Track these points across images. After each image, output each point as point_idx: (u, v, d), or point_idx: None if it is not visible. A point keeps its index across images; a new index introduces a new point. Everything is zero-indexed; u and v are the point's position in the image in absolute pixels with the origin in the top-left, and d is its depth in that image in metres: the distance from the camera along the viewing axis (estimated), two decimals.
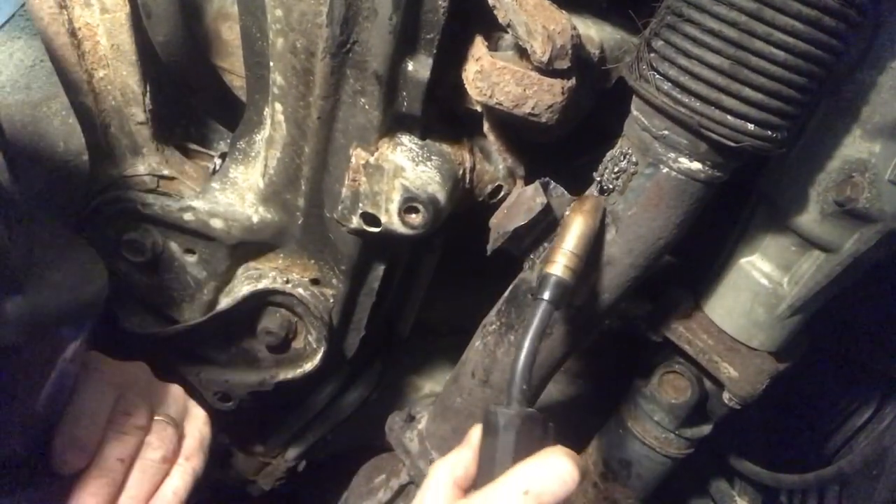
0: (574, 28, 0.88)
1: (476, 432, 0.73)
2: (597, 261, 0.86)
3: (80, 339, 0.72)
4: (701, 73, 0.73)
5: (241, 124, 1.03)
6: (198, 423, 0.87)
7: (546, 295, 0.73)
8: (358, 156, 0.94)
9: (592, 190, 0.89)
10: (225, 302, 1.12)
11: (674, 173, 0.80)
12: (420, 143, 0.96)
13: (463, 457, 0.72)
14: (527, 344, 0.70)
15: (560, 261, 0.75)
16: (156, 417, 0.80)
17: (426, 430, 1.09)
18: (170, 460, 0.80)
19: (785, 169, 0.97)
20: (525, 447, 0.66)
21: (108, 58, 1.00)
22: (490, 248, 0.85)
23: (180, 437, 0.83)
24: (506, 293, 0.96)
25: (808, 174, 0.94)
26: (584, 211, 0.80)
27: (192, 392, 1.22)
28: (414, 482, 1.07)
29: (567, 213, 0.82)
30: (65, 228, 0.82)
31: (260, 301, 1.10)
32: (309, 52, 0.87)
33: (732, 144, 0.75)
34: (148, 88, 1.03)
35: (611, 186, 0.85)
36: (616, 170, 0.84)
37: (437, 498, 0.71)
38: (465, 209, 1.04)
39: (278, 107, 0.95)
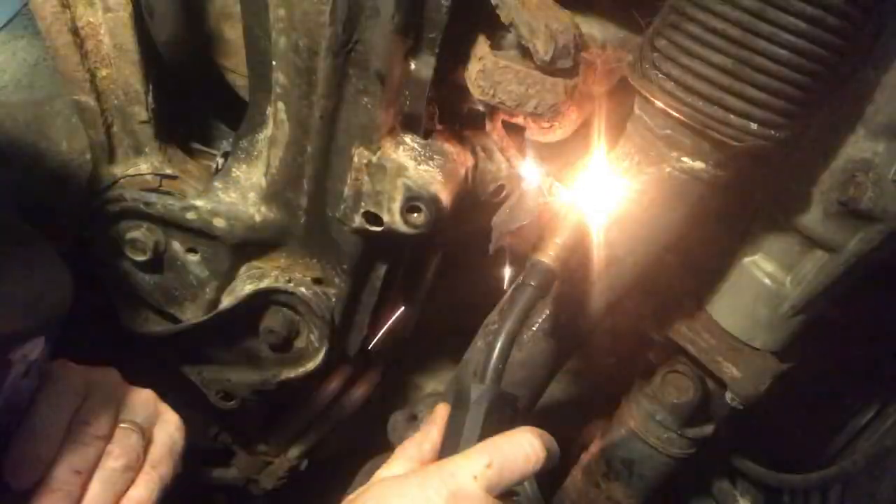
0: (577, 27, 0.88)
1: (442, 409, 0.73)
2: (599, 260, 0.86)
3: (36, 354, 0.70)
4: (704, 72, 0.73)
5: (243, 123, 1.03)
6: (168, 428, 0.84)
7: (533, 281, 0.73)
8: (360, 155, 0.94)
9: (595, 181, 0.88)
10: (227, 301, 1.12)
11: (676, 173, 0.79)
12: (422, 142, 0.96)
13: (429, 433, 0.72)
14: (508, 325, 0.70)
15: (550, 250, 0.75)
16: (120, 424, 0.78)
17: None
18: (133, 468, 0.77)
19: (788, 168, 0.97)
20: (493, 424, 0.66)
21: (110, 57, 1.00)
22: (493, 247, 0.85)
23: (147, 444, 0.80)
24: (508, 292, 0.96)
25: (812, 174, 0.93)
26: (580, 206, 0.80)
27: (191, 391, 1.22)
28: None
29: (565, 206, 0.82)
30: (31, 235, 0.77)
31: (262, 300, 1.10)
32: (311, 51, 0.87)
33: (735, 144, 0.74)
34: (150, 87, 1.03)
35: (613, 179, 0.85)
36: (619, 169, 0.84)
37: (399, 470, 0.71)
38: (468, 208, 1.04)
39: (281, 106, 0.95)
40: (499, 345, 0.69)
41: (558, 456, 0.67)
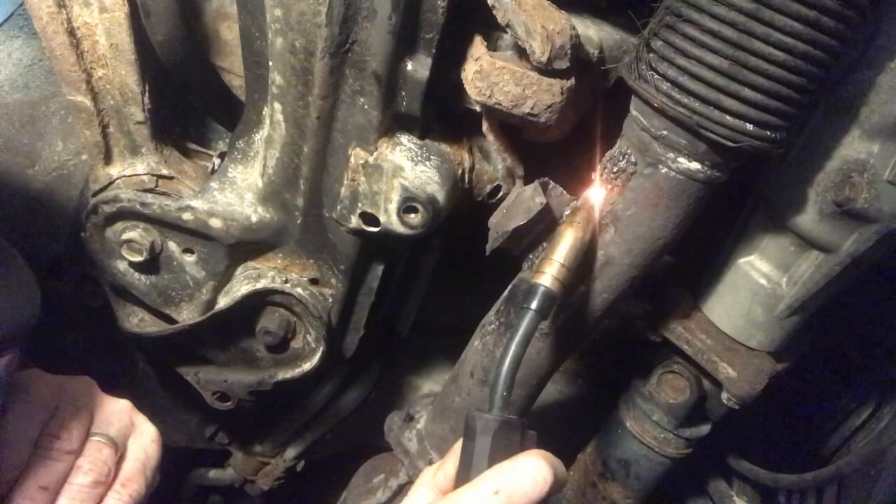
0: (573, 28, 0.88)
1: (460, 441, 0.75)
2: (595, 261, 0.86)
3: (0, 370, 0.69)
4: (700, 73, 0.73)
5: (239, 124, 1.03)
6: (143, 441, 0.82)
7: (533, 304, 0.74)
8: (357, 155, 0.94)
9: (592, 190, 0.89)
10: (224, 302, 1.11)
11: (673, 173, 0.80)
12: (419, 142, 0.96)
13: (447, 462, 0.74)
14: (511, 352, 0.71)
15: (549, 272, 0.76)
16: (92, 437, 0.76)
17: (425, 429, 1.09)
18: (104, 483, 0.75)
19: (784, 169, 0.97)
20: (502, 451, 0.67)
21: (106, 57, 1.00)
22: (489, 247, 0.85)
23: (120, 458, 0.79)
24: (504, 293, 0.97)
25: (807, 174, 0.94)
26: (575, 222, 0.80)
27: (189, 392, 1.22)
28: (412, 482, 1.07)
29: (560, 222, 0.82)
30: None
31: (259, 301, 1.10)
32: (308, 51, 0.87)
33: (731, 144, 0.75)
34: (147, 88, 1.03)
35: (610, 186, 0.85)
36: (615, 170, 0.84)
37: (416, 500, 0.73)
38: (464, 209, 1.04)
39: (277, 106, 0.95)
40: (503, 373, 0.70)
41: (566, 478, 0.68)
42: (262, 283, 1.09)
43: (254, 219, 1.06)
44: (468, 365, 1.00)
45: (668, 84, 0.76)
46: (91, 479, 0.74)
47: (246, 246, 1.09)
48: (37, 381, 0.77)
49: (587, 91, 0.98)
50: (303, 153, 0.98)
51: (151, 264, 1.09)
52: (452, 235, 1.16)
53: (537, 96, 0.89)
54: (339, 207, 0.98)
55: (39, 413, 0.74)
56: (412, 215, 0.94)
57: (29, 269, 0.77)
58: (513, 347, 0.71)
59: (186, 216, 1.04)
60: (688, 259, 1.20)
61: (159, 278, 1.12)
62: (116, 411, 0.82)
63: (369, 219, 0.97)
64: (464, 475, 0.68)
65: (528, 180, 1.00)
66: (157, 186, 1.09)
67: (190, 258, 1.10)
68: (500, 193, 1.04)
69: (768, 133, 0.75)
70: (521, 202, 0.82)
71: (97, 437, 0.77)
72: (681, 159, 0.79)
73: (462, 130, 1.01)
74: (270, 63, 0.91)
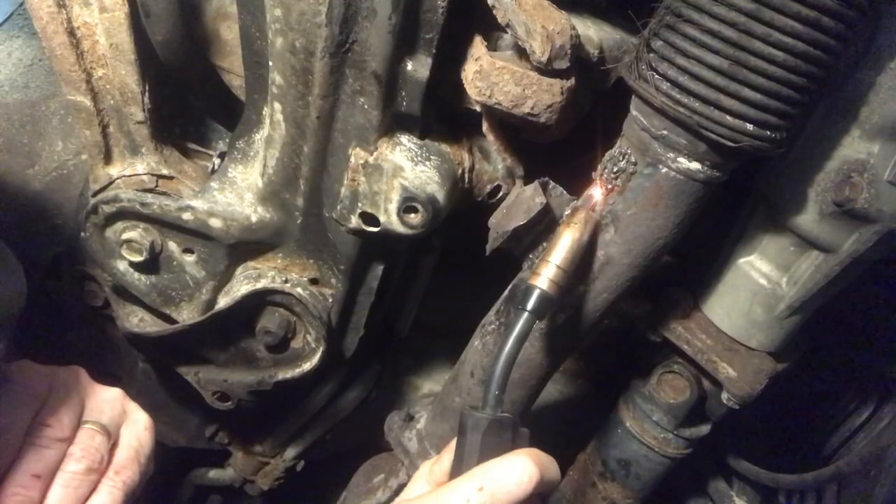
0: (573, 28, 0.88)
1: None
2: (595, 261, 0.86)
3: None
4: (700, 73, 0.73)
5: (239, 124, 1.03)
6: (136, 429, 0.82)
7: (529, 306, 0.74)
8: (357, 155, 0.94)
9: (592, 190, 0.89)
10: (224, 301, 1.11)
11: (673, 173, 0.80)
12: (419, 142, 0.96)
13: (443, 457, 0.76)
14: (506, 351, 0.72)
15: (545, 273, 0.76)
16: (84, 425, 0.76)
17: (425, 429, 1.09)
18: (97, 471, 0.75)
19: (784, 169, 0.97)
20: (493, 449, 0.69)
21: (106, 57, 1.00)
22: (489, 247, 0.85)
23: (113, 446, 0.78)
24: (504, 293, 0.97)
25: (807, 174, 0.94)
26: (573, 223, 0.80)
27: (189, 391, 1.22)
28: None
29: (559, 223, 0.82)
30: None
31: (259, 300, 1.10)
32: (308, 51, 0.87)
33: (731, 144, 0.75)
34: (147, 88, 1.03)
35: (610, 186, 0.85)
36: (615, 169, 0.84)
37: (411, 493, 0.75)
38: (465, 209, 1.04)
39: (277, 106, 0.95)
40: (496, 372, 0.71)
41: (558, 477, 0.69)
42: (262, 283, 1.09)
43: (254, 219, 1.06)
44: (468, 365, 1.00)
45: (669, 84, 0.76)
46: (84, 466, 0.74)
47: (246, 246, 1.09)
48: (26, 371, 0.77)
49: (587, 91, 0.98)
50: (303, 153, 0.98)
51: (151, 264, 1.09)
52: (452, 235, 1.16)
53: (537, 96, 0.89)
54: (339, 207, 0.98)
55: (30, 402, 0.74)
56: (412, 215, 0.94)
57: (13, 256, 0.77)
58: (507, 347, 0.72)
59: (186, 216, 1.04)
60: (688, 259, 1.20)
61: (159, 278, 1.12)
62: (108, 399, 0.82)
63: (369, 219, 0.97)
64: (457, 471, 0.69)
65: (528, 180, 1.00)
66: (157, 186, 1.09)
67: (190, 258, 1.10)
68: (500, 193, 1.04)
69: (768, 133, 0.75)
70: (521, 202, 0.82)
71: (89, 425, 0.77)
72: (681, 159, 0.79)
73: (462, 130, 1.01)
74: (270, 63, 0.91)
